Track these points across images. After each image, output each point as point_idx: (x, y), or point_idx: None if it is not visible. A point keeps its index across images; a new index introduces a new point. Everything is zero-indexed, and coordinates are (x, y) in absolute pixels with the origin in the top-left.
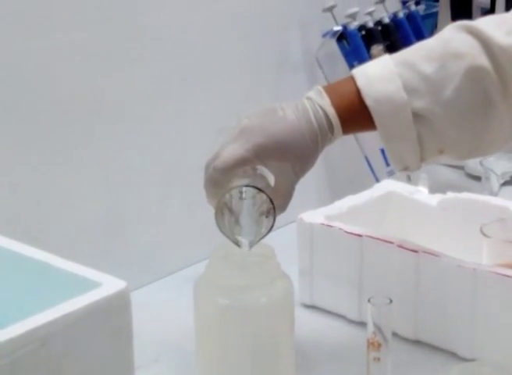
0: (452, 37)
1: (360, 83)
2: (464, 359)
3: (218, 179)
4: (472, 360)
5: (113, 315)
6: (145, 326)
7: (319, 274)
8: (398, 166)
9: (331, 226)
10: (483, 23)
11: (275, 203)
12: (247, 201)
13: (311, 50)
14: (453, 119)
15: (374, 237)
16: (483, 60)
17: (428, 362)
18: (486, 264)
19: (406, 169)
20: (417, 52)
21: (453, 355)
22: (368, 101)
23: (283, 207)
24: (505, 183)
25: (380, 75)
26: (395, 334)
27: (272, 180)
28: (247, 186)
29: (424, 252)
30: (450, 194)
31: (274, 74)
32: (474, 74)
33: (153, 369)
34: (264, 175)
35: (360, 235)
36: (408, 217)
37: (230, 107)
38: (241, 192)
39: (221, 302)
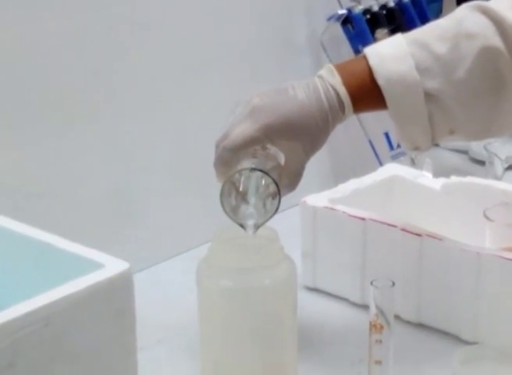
0: (465, 17)
1: (373, 62)
2: (467, 343)
3: (228, 158)
4: (475, 343)
5: (116, 296)
6: (149, 307)
7: (322, 257)
8: (408, 145)
9: (334, 210)
10: (497, 4)
11: (285, 182)
12: (253, 184)
13: (315, 34)
14: (465, 99)
15: (377, 221)
16: (496, 41)
17: (430, 346)
18: (489, 248)
19: (416, 149)
20: (430, 32)
21: (456, 338)
22: (380, 81)
23: (293, 186)
24: (509, 168)
25: (392, 54)
26: (398, 318)
27: (282, 159)
28: (253, 169)
29: (428, 236)
30: (454, 179)
31: (278, 58)
32: (486, 55)
33: (156, 351)
34: (274, 154)
35: (363, 218)
36: (412, 201)
37: (236, 90)
38: (252, 172)
39: (223, 284)
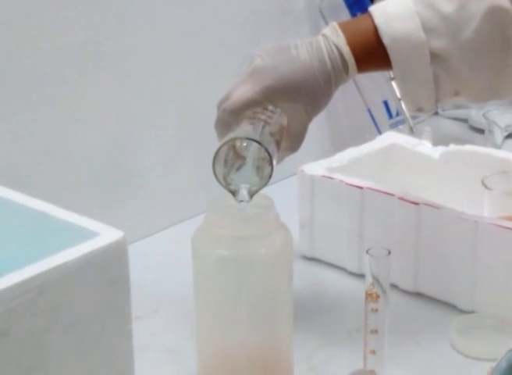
0: None
1: (378, 21)
2: (464, 312)
3: (227, 120)
4: (472, 312)
5: (110, 265)
6: (145, 277)
7: (320, 226)
8: (412, 106)
9: (332, 178)
10: None
11: (287, 144)
12: (247, 153)
13: (314, 1)
14: (471, 60)
15: (375, 189)
16: (504, 1)
17: (427, 315)
18: (488, 216)
19: (419, 110)
20: None
21: (453, 307)
22: (385, 40)
23: (295, 148)
24: (508, 136)
25: (398, 13)
26: (394, 287)
27: (284, 120)
28: (246, 139)
29: (425, 205)
30: (453, 147)
31: (277, 26)
32: (494, 15)
33: (153, 320)
34: (276, 117)
35: (361, 187)
36: (410, 169)
37: (236, 57)
38: (245, 140)
39: (219, 253)
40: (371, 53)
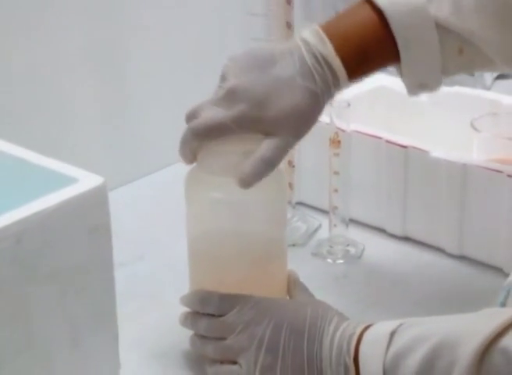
0: None
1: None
2: (451, 256)
3: (192, 141)
4: (460, 257)
5: (90, 212)
6: (131, 223)
7: (305, 169)
8: (414, 81)
9: (318, 121)
10: None
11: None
12: None
13: None
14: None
15: (362, 132)
16: None
17: (415, 259)
18: (476, 159)
19: (423, 86)
20: None
21: (441, 251)
22: (381, 2)
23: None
24: (498, 77)
25: None
26: (383, 231)
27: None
28: None
29: (414, 148)
30: (441, 89)
31: None
32: None
33: (138, 266)
34: None
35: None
36: (398, 112)
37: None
38: None
39: (213, 196)
40: (366, 53)
